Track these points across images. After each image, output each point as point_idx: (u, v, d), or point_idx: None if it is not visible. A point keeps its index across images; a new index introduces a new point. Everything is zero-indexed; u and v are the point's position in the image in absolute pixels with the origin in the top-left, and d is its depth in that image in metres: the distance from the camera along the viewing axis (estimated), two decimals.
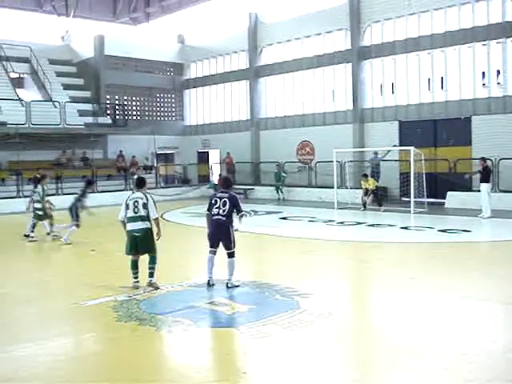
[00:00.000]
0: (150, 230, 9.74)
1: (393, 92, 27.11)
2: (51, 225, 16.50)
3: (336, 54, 28.80)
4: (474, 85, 24.19)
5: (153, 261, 9.80)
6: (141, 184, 10.06)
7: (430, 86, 25.74)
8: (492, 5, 23.39)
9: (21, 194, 25.56)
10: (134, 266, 9.82)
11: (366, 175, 22.73)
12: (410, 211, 20.60)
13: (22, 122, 28.00)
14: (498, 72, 23.75)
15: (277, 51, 31.80)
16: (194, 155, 36.39)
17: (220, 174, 31.61)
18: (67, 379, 6.04)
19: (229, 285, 9.60)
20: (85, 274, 11.53)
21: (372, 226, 17.97)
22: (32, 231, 16.13)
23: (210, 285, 9.75)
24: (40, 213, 16.26)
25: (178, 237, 16.09)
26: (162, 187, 31.30)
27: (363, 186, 22.21)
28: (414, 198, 21.02)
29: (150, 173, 32.99)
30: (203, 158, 36.29)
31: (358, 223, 18.51)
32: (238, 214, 9.71)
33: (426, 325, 7.64)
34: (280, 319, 7.72)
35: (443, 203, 22.68)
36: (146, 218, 9.68)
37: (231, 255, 9.63)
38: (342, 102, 28.92)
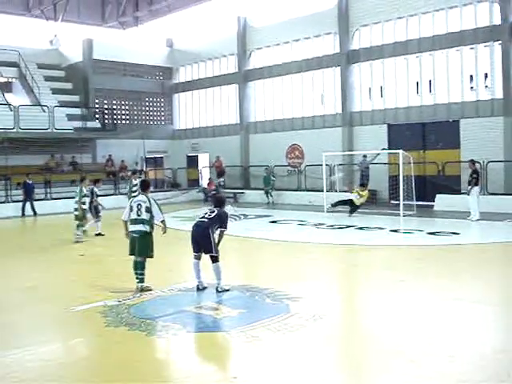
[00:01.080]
0: (148, 233, 9.86)
1: (381, 95, 27.22)
2: (78, 226, 16.45)
3: (325, 58, 28.88)
4: (462, 88, 24.35)
5: (141, 266, 9.88)
6: (144, 187, 10.26)
7: (418, 90, 25.88)
8: (479, 9, 23.56)
9: (9, 199, 25.45)
10: (135, 266, 9.96)
11: (364, 185, 22.36)
12: (399, 214, 20.66)
13: (11, 127, 27.88)
14: (486, 75, 23.92)
15: (266, 55, 31.86)
16: (183, 159, 36.36)
17: (210, 178, 31.64)
18: None
19: (218, 289, 9.57)
20: (74, 279, 11.47)
21: (361, 229, 18.00)
22: (81, 232, 16.44)
23: (199, 289, 9.73)
24: (76, 213, 16.38)
25: (167, 241, 16.02)
26: (151, 191, 31.07)
27: (354, 192, 21.81)
28: (403, 200, 21.09)
29: (140, 177, 32.87)
30: (193, 162, 36.25)
31: (348, 226, 18.55)
32: (220, 227, 9.70)
33: (417, 327, 7.66)
34: (270, 323, 7.71)
35: (432, 206, 22.78)
36: (147, 222, 9.82)
37: (214, 260, 9.54)
38: (330, 106, 29.01)
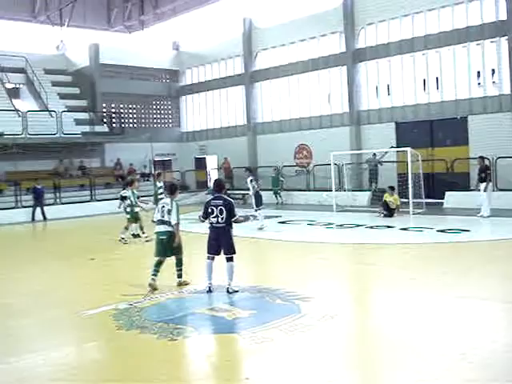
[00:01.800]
0: (173, 233, 10.27)
1: (388, 93, 27.18)
2: (126, 228, 16.79)
3: (331, 57, 28.87)
4: (469, 84, 24.27)
5: (179, 263, 10.47)
6: (171, 191, 10.65)
7: (425, 87, 25.82)
8: (485, 4, 23.48)
9: (19, 205, 25.54)
10: (158, 265, 10.27)
11: (392, 188, 21.28)
12: (408, 212, 20.60)
13: (19, 133, 28.03)
14: (493, 71, 23.84)
15: (272, 56, 31.88)
16: (191, 161, 36.39)
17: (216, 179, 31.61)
18: None
19: (229, 290, 9.60)
20: (85, 282, 11.51)
21: (371, 227, 17.97)
22: (143, 232, 16.88)
23: (210, 291, 9.74)
24: (128, 216, 16.76)
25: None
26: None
27: (386, 199, 20.76)
28: (412, 198, 21.02)
29: (148, 180, 32.98)
30: (201, 164, 36.29)
31: (357, 225, 18.51)
32: (232, 218, 9.69)
33: (428, 325, 7.63)
34: (281, 324, 7.70)
35: (441, 203, 22.70)
36: (169, 224, 10.25)
37: (230, 259, 9.63)
38: (338, 105, 28.99)
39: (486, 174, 19.08)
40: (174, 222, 10.20)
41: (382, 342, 7.11)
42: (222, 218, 9.59)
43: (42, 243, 18.38)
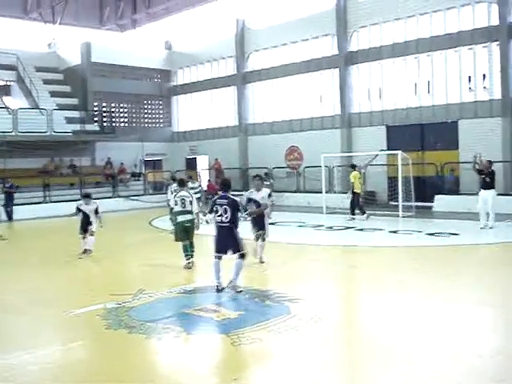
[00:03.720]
0: (194, 220, 12.24)
1: (380, 97, 27.25)
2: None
3: (323, 60, 28.91)
4: (460, 89, 24.38)
5: (193, 245, 12.22)
6: (182, 184, 12.93)
7: (416, 91, 25.92)
8: (477, 9, 23.60)
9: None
10: (186, 249, 12.10)
11: (353, 166, 21.45)
12: (398, 215, 20.67)
13: (9, 130, 27.89)
14: (484, 76, 23.95)
15: (264, 57, 31.88)
16: (182, 162, 36.32)
17: (209, 180, 31.62)
18: None
19: (229, 285, 9.60)
20: (73, 282, 11.47)
21: (361, 230, 18.01)
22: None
23: (218, 290, 9.69)
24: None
25: (166, 243, 16.03)
26: (151, 194, 31.23)
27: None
28: (402, 201, 21.09)
29: (138, 180, 32.96)
30: (191, 164, 36.24)
31: (347, 228, 18.55)
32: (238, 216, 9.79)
33: (416, 329, 7.66)
34: (270, 325, 7.71)
35: (431, 207, 22.78)
36: (192, 212, 12.22)
37: (241, 257, 9.65)
38: (329, 107, 29.03)
39: (492, 179, 17.08)
40: (196, 210, 12.27)
41: (369, 344, 7.12)
42: (227, 218, 9.61)
43: (31, 242, 18.29)
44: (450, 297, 9.22)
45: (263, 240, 12.20)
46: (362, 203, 21.08)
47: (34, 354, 6.92)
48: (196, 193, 19.18)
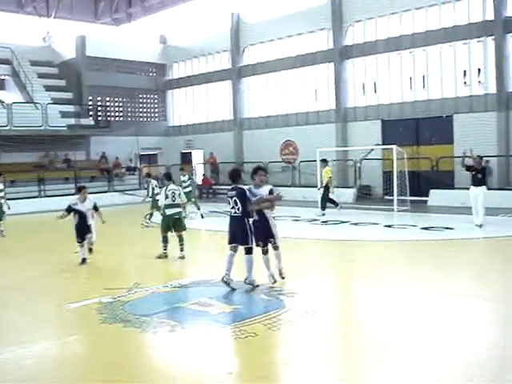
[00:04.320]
0: (181, 212, 12.93)
1: (375, 91, 27.26)
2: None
3: (318, 54, 28.89)
4: (455, 83, 24.41)
5: (182, 238, 12.63)
6: (169, 177, 13.21)
7: (411, 85, 25.93)
8: (472, 4, 23.60)
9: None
10: (166, 240, 12.63)
11: (324, 160, 21.44)
12: (393, 209, 20.71)
13: (4, 124, 27.80)
14: (479, 70, 23.98)
15: (259, 51, 31.84)
16: (177, 156, 36.28)
17: (204, 174, 31.64)
18: (52, 382, 6.02)
19: (246, 281, 9.50)
20: (68, 276, 11.46)
21: (356, 224, 18.03)
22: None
23: (224, 282, 9.45)
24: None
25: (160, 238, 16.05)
26: (146, 188, 31.12)
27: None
28: (397, 196, 21.13)
29: (134, 174, 32.91)
30: (187, 158, 36.20)
31: (342, 222, 18.56)
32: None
33: (411, 322, 7.68)
34: (265, 319, 7.73)
35: (426, 201, 22.83)
36: (179, 205, 12.81)
37: (247, 252, 9.49)
38: (324, 102, 29.03)
39: (484, 175, 16.43)
40: (184, 201, 13.08)
41: (365, 338, 7.14)
42: (238, 209, 9.46)
43: (24, 236, 18.27)
44: (444, 290, 9.25)
45: (276, 248, 10.03)
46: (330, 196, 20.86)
47: (30, 348, 6.92)
48: (185, 186, 19.90)
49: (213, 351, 6.88)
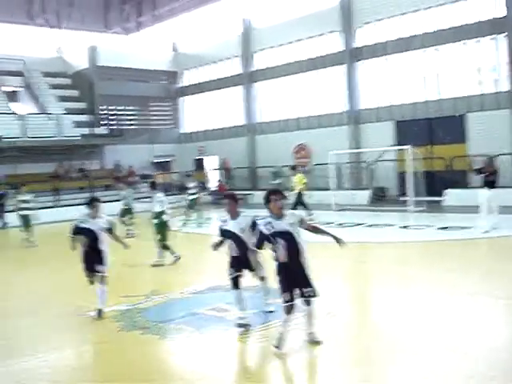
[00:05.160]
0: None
1: (387, 92, 27.15)
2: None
3: (329, 57, 28.86)
4: (467, 82, 24.25)
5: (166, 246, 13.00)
6: (154, 186, 13.84)
7: (424, 85, 25.80)
8: (483, 1, 23.45)
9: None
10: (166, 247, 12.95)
11: (293, 167, 21.39)
12: (408, 210, 20.59)
13: (18, 136, 28.00)
14: (492, 69, 23.81)
15: (270, 56, 31.87)
16: (190, 162, 36.32)
17: (219, 180, 31.63)
18: None
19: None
20: (85, 284, 11.47)
21: (371, 226, 17.96)
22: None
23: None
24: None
25: (176, 244, 16.05)
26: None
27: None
28: (412, 196, 21.01)
29: (147, 182, 32.93)
30: (200, 165, 36.24)
31: (358, 224, 18.49)
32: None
33: (429, 322, 7.62)
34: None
35: (441, 201, 22.68)
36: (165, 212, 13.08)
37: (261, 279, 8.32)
38: (336, 104, 28.96)
39: (495, 178, 15.39)
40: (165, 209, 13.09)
41: (383, 339, 7.10)
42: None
43: (41, 245, 18.35)
44: (463, 290, 9.18)
45: (262, 279, 8.37)
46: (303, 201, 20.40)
47: (46, 357, 6.94)
48: (191, 194, 20.14)
49: (230, 356, 6.86)
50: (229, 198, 8.10)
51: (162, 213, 12.88)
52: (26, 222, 18.24)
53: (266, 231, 6.84)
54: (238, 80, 33.47)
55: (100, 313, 8.56)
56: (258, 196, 29.71)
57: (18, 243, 18.09)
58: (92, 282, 9.01)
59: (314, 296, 6.87)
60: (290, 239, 6.94)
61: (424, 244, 14.59)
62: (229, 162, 32.80)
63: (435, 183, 23.61)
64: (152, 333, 7.65)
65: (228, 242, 7.89)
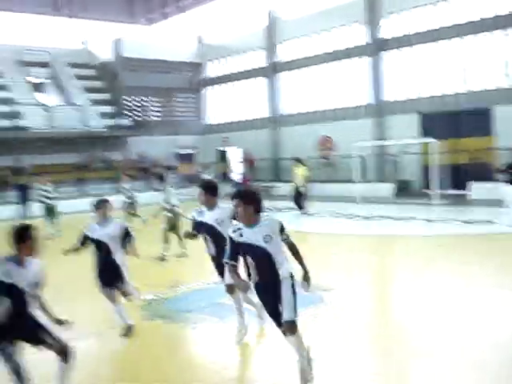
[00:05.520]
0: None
1: (412, 84, 26.89)
2: None
3: (354, 48, 28.68)
4: (495, 74, 23.91)
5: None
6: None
7: (450, 77, 25.49)
8: None
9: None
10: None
11: (298, 160, 21.11)
12: (433, 203, 20.43)
13: (45, 127, 28.28)
14: None
15: (294, 47, 31.76)
16: (213, 154, 36.35)
17: (244, 173, 31.60)
18: (95, 379, 6.10)
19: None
20: None
21: (396, 219, 17.86)
22: None
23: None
24: None
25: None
26: (181, 187, 31.34)
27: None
28: (437, 190, 20.83)
29: (172, 173, 33.07)
30: (223, 156, 36.27)
31: (382, 217, 18.40)
32: None
33: (452, 317, 7.58)
34: (306, 313, 7.68)
35: (466, 195, 22.45)
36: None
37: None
38: (361, 96, 28.76)
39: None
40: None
41: (404, 333, 7.08)
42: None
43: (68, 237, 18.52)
44: (489, 283, 9.12)
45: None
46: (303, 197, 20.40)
47: (72, 345, 7.00)
48: None
49: (254, 346, 6.88)
50: (203, 187, 7.00)
51: (174, 205, 13.34)
52: (48, 212, 18.37)
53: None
54: (263, 71, 33.41)
55: (130, 330, 7.35)
56: (282, 188, 29.74)
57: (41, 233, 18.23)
58: (112, 299, 7.56)
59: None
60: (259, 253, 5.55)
61: (449, 237, 14.45)
62: (252, 153, 32.77)
63: (460, 176, 23.36)
64: (175, 322, 7.71)
65: (203, 237, 7.05)
